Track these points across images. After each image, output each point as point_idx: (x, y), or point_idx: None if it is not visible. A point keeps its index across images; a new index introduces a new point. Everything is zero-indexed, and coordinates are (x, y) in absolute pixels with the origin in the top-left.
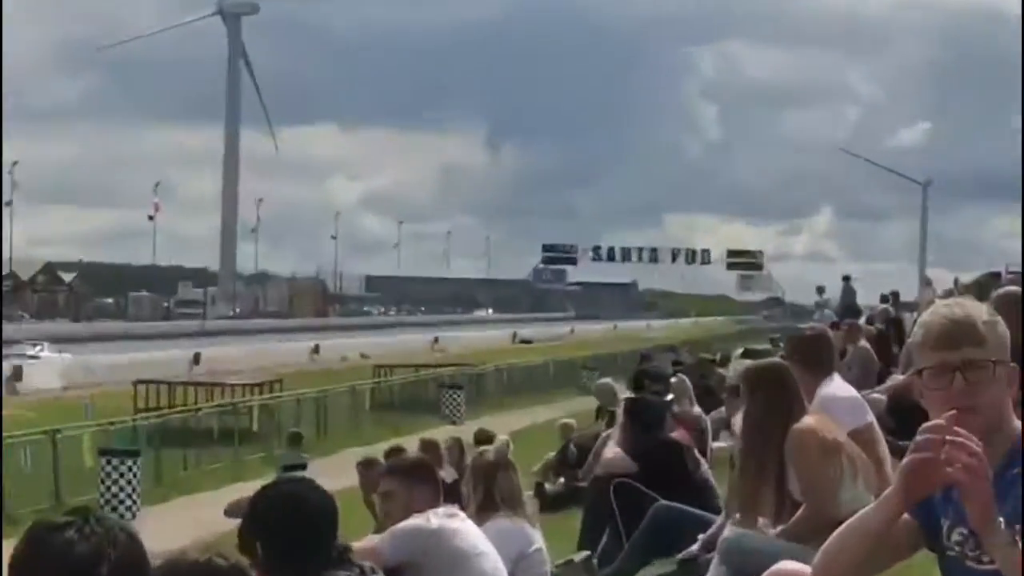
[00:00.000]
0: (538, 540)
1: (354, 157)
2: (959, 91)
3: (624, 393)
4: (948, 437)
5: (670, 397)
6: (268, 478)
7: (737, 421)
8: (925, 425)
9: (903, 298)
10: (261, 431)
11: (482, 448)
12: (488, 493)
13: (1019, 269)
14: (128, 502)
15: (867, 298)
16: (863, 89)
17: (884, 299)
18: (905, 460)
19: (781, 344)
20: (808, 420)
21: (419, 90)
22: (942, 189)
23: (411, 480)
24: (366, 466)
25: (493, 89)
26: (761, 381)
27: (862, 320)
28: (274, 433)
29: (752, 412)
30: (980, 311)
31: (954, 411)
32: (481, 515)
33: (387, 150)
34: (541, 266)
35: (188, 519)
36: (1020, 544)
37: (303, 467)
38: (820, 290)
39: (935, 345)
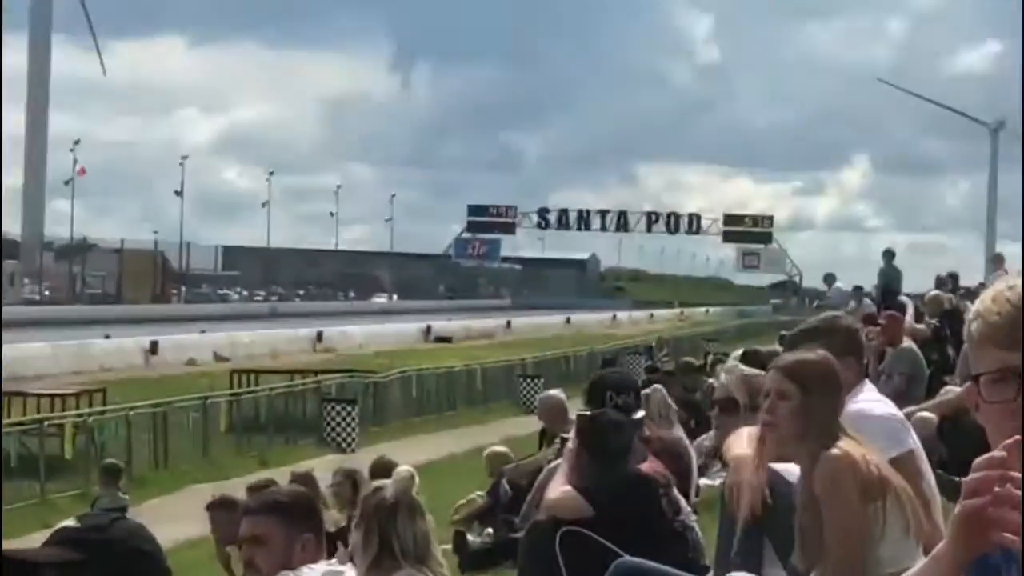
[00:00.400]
0: None
1: (208, 83)
2: None
3: (578, 410)
4: (996, 488)
5: (641, 415)
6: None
7: (731, 447)
8: (980, 459)
9: (965, 281)
10: (77, 458)
11: (377, 483)
12: (385, 544)
13: None
14: None
15: (916, 282)
16: None
17: (940, 283)
18: (957, 509)
19: (798, 341)
20: (846, 446)
21: None
22: (1019, 133)
23: (290, 521)
24: (221, 507)
25: None
26: (816, 380)
27: (909, 312)
28: (94, 461)
29: (804, 422)
30: None
31: (1016, 438)
32: (375, 574)
33: (254, 74)
34: (466, 235)
35: None
36: None
37: (122, 511)
38: (829, 278)
39: (995, 342)
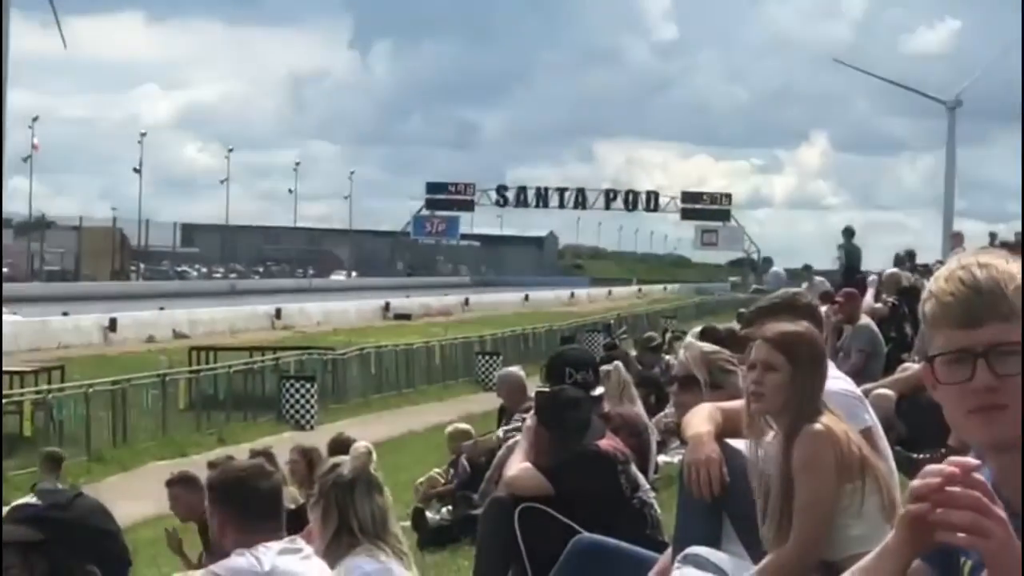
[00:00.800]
0: None
1: (168, 59)
2: None
3: (537, 387)
4: (947, 487)
5: (600, 391)
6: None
7: (689, 424)
8: (931, 467)
9: (923, 259)
10: (36, 435)
11: (335, 460)
12: (343, 521)
13: None
14: None
15: (874, 260)
16: None
17: (899, 261)
18: (902, 511)
19: (756, 317)
20: (829, 421)
21: None
22: (975, 112)
23: (212, 499)
24: (180, 484)
25: None
26: (804, 352)
27: (870, 293)
28: (54, 438)
29: (790, 395)
30: (1011, 271)
31: (971, 462)
32: (333, 551)
33: (213, 50)
34: (424, 213)
35: None
36: None
37: None
38: (765, 263)
39: (948, 321)
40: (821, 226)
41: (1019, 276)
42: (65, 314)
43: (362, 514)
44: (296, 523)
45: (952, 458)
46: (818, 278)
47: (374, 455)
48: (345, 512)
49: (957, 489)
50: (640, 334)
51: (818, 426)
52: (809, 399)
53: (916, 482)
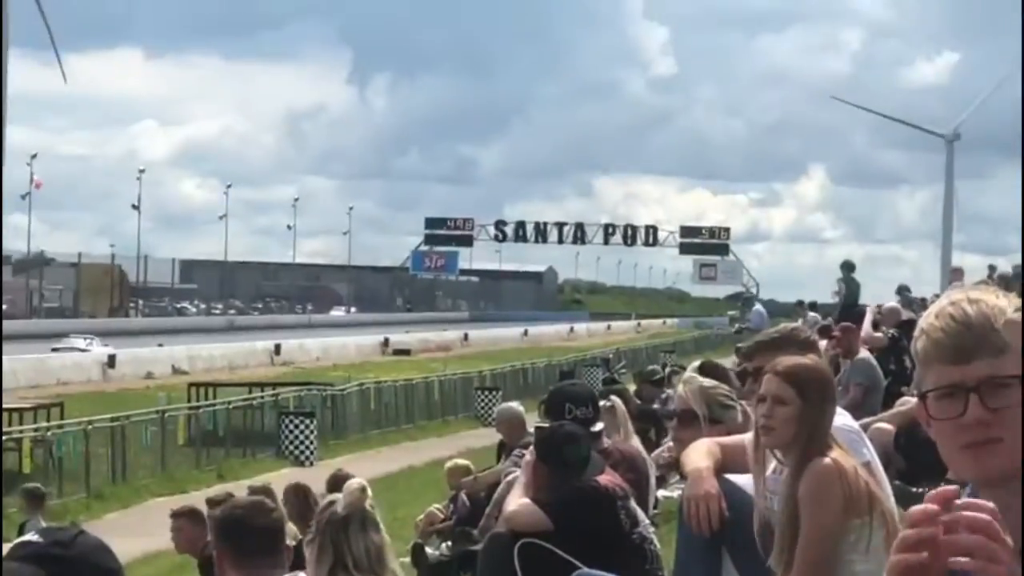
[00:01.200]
0: None
1: (166, 95)
2: (996, 11)
3: (536, 423)
4: (944, 518)
5: (599, 427)
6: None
7: (688, 459)
8: (915, 510)
9: (921, 292)
10: (35, 472)
11: (330, 497)
12: (338, 558)
13: None
14: None
15: (871, 294)
16: (867, 7)
17: (907, 302)
18: (892, 559)
19: (755, 352)
20: (838, 456)
21: (256, 3)
22: (974, 145)
23: (214, 535)
24: (185, 517)
25: (359, 4)
26: (815, 386)
27: (868, 320)
28: (53, 475)
29: (799, 428)
30: (1001, 306)
31: (950, 488)
32: None
33: (211, 86)
34: (423, 248)
35: None
36: None
37: None
38: (748, 302)
39: (940, 358)
40: (819, 259)
41: (1009, 310)
42: (63, 350)
43: (356, 551)
44: (297, 559)
45: (932, 492)
46: (812, 314)
47: (368, 491)
48: (340, 549)
49: (969, 513)
50: (639, 368)
51: (827, 460)
52: (819, 433)
53: (906, 531)
